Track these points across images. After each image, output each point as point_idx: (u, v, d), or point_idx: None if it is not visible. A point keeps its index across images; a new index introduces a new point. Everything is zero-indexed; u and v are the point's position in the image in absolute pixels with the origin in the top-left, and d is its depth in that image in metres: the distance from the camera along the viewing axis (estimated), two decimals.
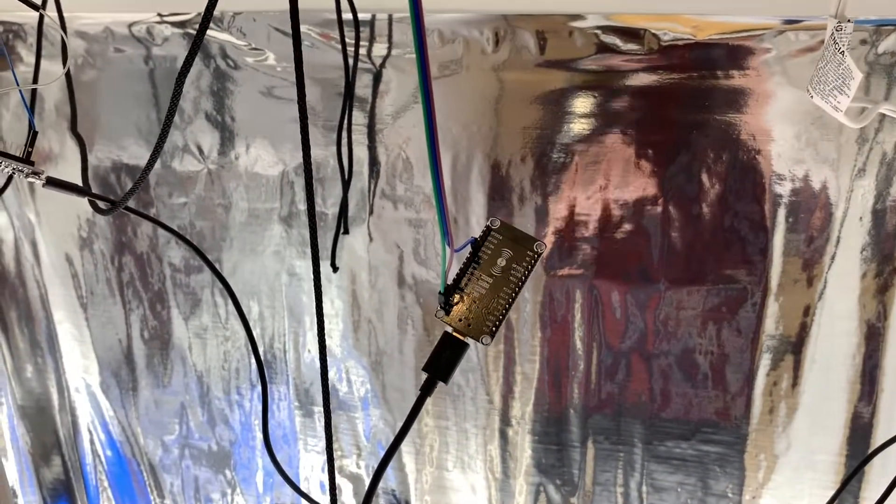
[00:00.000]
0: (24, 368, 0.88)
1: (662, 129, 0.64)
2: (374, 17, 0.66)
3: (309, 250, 0.74)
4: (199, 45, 0.42)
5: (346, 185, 0.68)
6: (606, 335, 0.69)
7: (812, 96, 0.50)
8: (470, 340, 0.36)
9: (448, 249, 0.33)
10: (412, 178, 0.70)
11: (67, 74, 0.56)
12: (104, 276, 0.80)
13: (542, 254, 0.37)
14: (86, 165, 0.51)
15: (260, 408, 0.78)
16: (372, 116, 0.69)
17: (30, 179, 0.44)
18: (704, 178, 0.64)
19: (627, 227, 0.66)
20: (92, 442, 0.89)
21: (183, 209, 0.76)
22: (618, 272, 0.67)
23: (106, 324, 0.82)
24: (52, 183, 0.45)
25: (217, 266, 0.76)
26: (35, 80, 0.65)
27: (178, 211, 0.76)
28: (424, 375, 0.36)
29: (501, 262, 0.37)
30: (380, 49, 0.68)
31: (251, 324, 0.77)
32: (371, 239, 0.72)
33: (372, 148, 0.70)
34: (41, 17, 0.63)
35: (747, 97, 0.62)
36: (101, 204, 0.46)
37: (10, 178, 0.67)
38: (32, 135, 0.43)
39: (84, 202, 0.69)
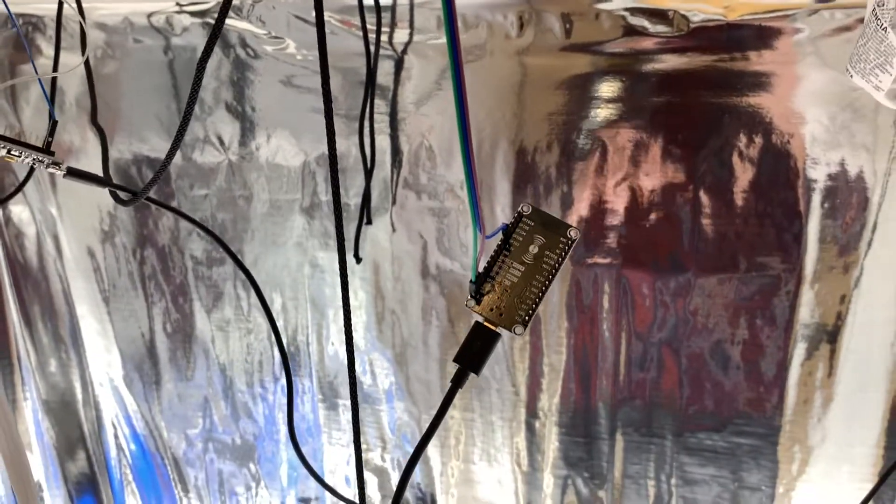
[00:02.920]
0: (48, 363, 0.88)
1: (692, 114, 0.62)
2: (395, 2, 0.65)
3: (332, 241, 0.73)
4: (218, 35, 0.41)
5: (368, 175, 0.67)
6: (635, 325, 0.67)
7: (851, 75, 0.48)
8: (502, 330, 0.35)
9: (479, 236, 0.32)
10: (435, 168, 0.69)
11: (87, 65, 0.56)
12: (126, 270, 0.80)
13: (575, 240, 0.35)
14: (106, 156, 0.51)
15: (284, 401, 0.77)
16: (394, 105, 0.68)
17: (50, 170, 0.43)
18: (736, 163, 0.62)
19: (656, 214, 0.65)
20: (116, 436, 0.89)
21: (204, 201, 0.75)
22: (647, 261, 0.66)
23: (128, 318, 0.82)
24: (73, 173, 0.44)
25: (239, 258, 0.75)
26: (54, 71, 0.65)
27: (199, 203, 0.75)
28: (453, 367, 0.35)
29: (534, 249, 0.35)
30: (401, 35, 0.67)
31: (274, 316, 0.77)
32: (394, 229, 0.71)
33: (394, 137, 0.69)
34: (60, 6, 0.63)
35: (779, 79, 0.60)
36: (122, 195, 0.45)
37: (31, 172, 0.67)
38: (52, 124, 0.42)
39: (105, 195, 0.68)
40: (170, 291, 0.80)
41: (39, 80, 0.39)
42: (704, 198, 0.63)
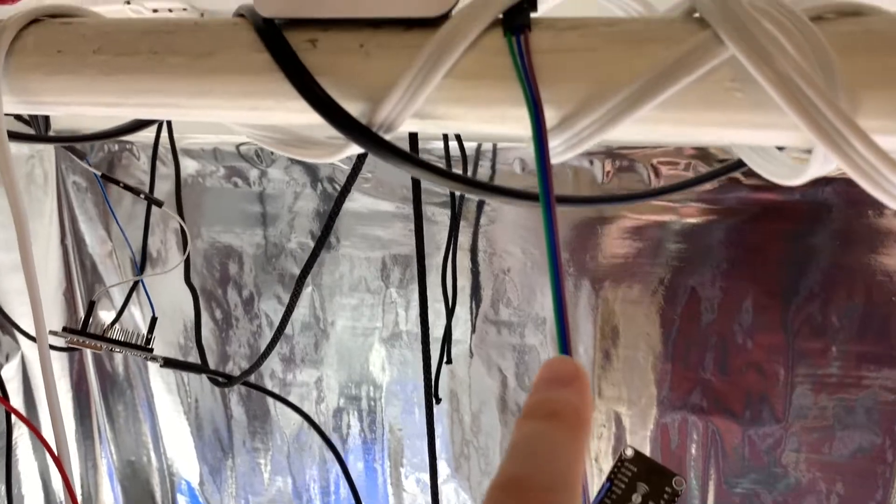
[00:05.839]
0: (130, 464, 0.89)
1: (786, 264, 0.60)
2: (479, 145, 0.65)
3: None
4: (340, 207, 0.42)
5: (449, 315, 0.66)
6: (724, 474, 0.65)
7: None
8: None
9: None
10: (517, 304, 0.68)
11: (181, 218, 0.57)
12: (209, 385, 0.81)
13: (681, 492, 0.34)
14: (199, 322, 0.52)
15: None
16: (475, 241, 0.68)
17: (149, 362, 0.44)
18: (834, 318, 0.59)
19: (749, 362, 0.62)
20: None
21: (289, 326, 0.76)
22: (738, 411, 0.63)
23: (211, 430, 0.83)
24: (170, 364, 0.45)
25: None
26: (148, 206, 0.66)
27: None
28: None
29: (637, 498, 0.34)
30: (484, 173, 0.66)
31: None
32: (473, 363, 0.70)
33: (475, 272, 0.68)
34: (154, 152, 0.65)
35: (884, 236, 0.57)
36: (220, 379, 0.46)
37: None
38: (152, 321, 0.44)
39: (188, 312, 0.69)
40: (251, 408, 0.80)
41: (142, 282, 0.40)
42: (799, 349, 0.61)
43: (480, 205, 0.67)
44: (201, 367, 0.46)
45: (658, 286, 0.63)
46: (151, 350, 0.43)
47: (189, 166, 0.74)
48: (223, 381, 0.45)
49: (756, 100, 0.23)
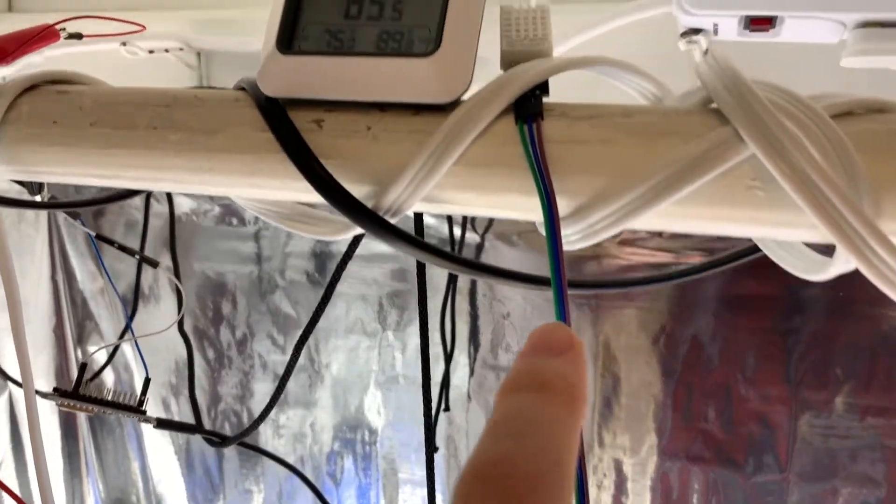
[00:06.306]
0: (119, 502, 0.88)
1: (789, 314, 0.60)
2: None
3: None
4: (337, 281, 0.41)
5: (447, 360, 0.65)
6: None
7: None
8: None
9: None
10: (517, 349, 0.67)
11: (179, 299, 0.56)
12: None
13: None
14: (192, 377, 0.51)
15: None
16: (474, 284, 0.67)
17: (142, 423, 0.43)
18: (837, 368, 0.59)
19: (751, 411, 0.61)
20: None
21: (280, 366, 0.75)
22: (740, 460, 0.62)
23: (202, 471, 0.82)
24: (163, 424, 0.44)
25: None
26: (142, 245, 0.65)
27: (277, 367, 0.75)
28: None
29: None
30: (483, 218, 0.66)
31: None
32: (471, 408, 0.69)
33: (474, 316, 0.68)
34: (146, 213, 0.63)
35: None
36: (214, 439, 0.45)
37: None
38: (145, 382, 0.42)
39: (181, 350, 0.68)
40: (243, 449, 0.79)
41: (135, 340, 0.39)
42: (802, 398, 0.60)
43: (479, 247, 0.66)
44: (195, 428, 0.45)
45: (660, 334, 0.62)
46: (144, 412, 0.42)
47: (183, 204, 0.73)
48: (217, 441, 0.44)
49: (778, 198, 0.22)
